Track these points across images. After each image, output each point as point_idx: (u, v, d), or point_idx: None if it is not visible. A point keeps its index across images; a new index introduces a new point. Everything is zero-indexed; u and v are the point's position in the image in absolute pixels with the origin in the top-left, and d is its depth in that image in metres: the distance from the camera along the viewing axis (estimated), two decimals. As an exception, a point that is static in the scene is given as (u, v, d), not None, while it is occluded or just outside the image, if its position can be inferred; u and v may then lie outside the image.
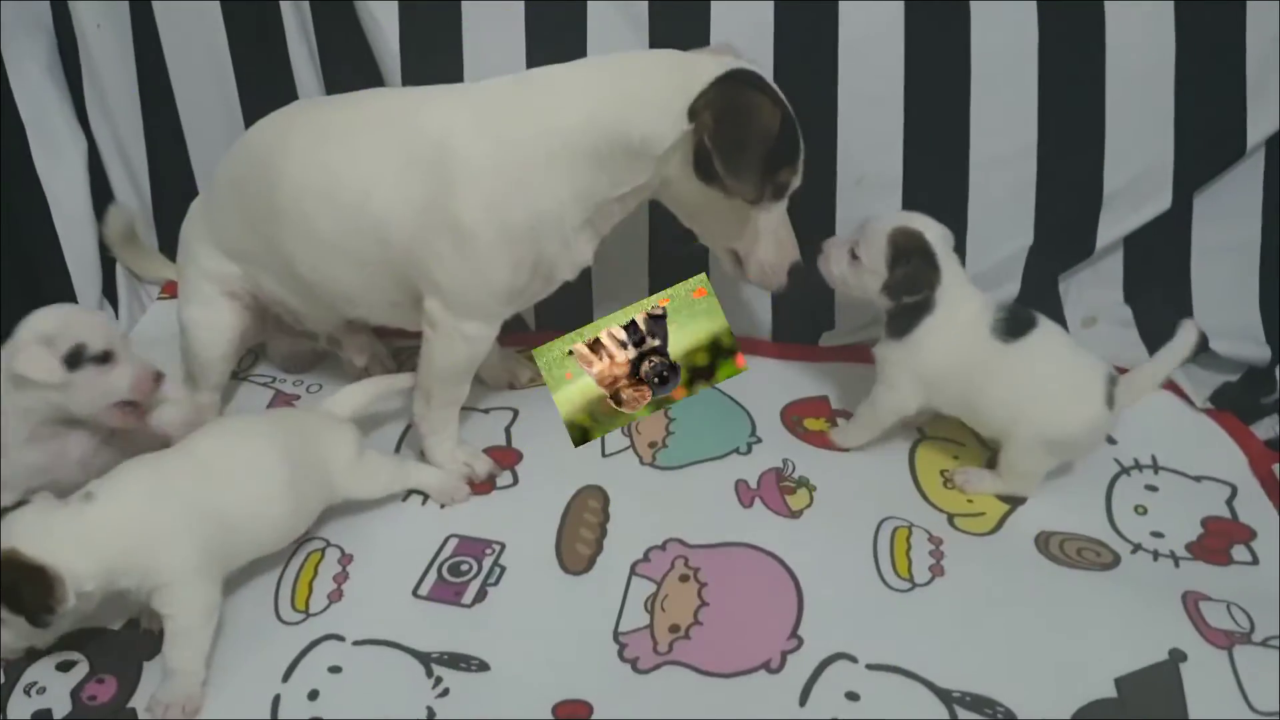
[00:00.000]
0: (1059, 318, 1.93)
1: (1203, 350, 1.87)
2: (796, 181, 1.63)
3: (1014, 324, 1.64)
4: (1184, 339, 1.70)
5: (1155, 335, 1.89)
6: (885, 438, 1.77)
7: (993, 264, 1.94)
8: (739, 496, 1.68)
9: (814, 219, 1.68)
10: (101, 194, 2.09)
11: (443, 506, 1.69)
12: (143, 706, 1.39)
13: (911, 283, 1.62)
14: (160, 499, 1.43)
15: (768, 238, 1.65)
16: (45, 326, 1.46)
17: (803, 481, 1.71)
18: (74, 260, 1.99)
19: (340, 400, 1.72)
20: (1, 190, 1.88)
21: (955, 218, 1.91)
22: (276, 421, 1.66)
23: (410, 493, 1.71)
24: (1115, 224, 1.88)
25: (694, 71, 1.54)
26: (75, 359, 1.45)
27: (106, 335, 1.49)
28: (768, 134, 1.52)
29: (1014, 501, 1.68)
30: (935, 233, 1.64)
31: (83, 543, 1.36)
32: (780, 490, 1.69)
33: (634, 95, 1.55)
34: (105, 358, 1.48)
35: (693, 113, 1.51)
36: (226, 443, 1.56)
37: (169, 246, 2.08)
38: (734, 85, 1.53)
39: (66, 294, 1.97)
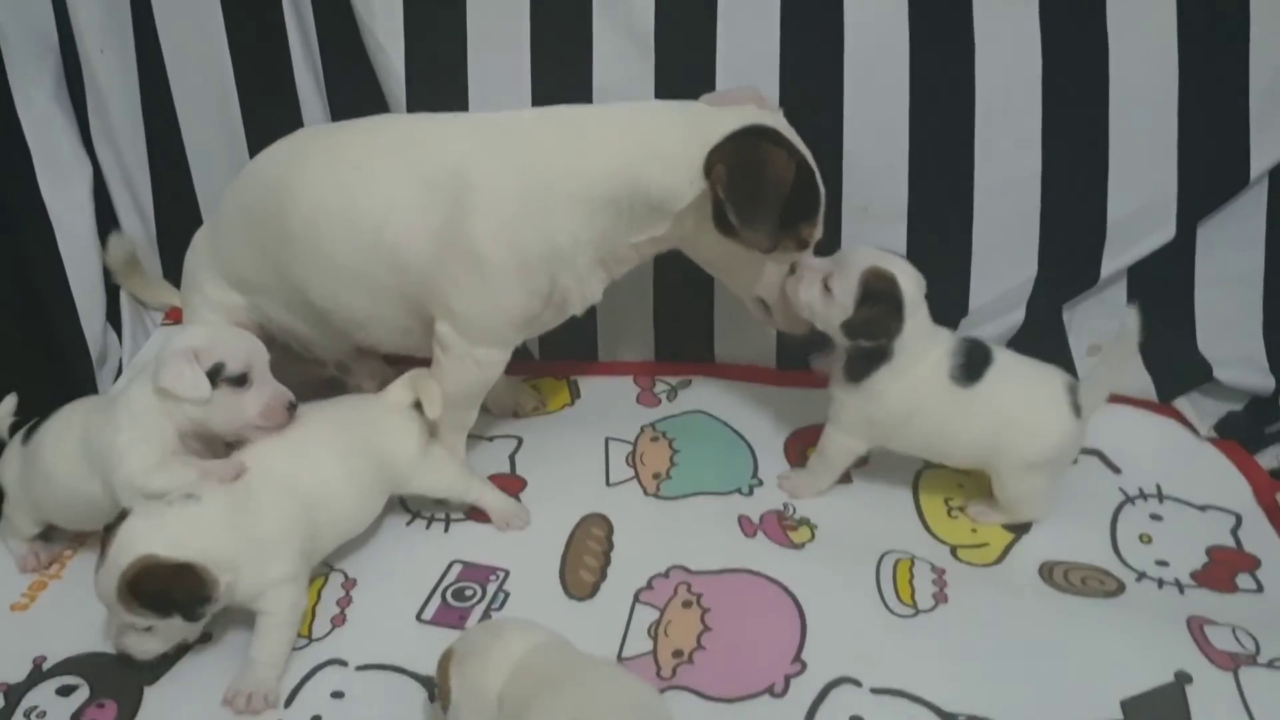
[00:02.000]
0: (1064, 347, 1.94)
1: (1205, 380, 1.88)
2: (818, 234, 1.65)
3: (971, 367, 1.61)
4: (1128, 327, 1.64)
5: (1159, 365, 1.90)
6: (887, 469, 1.76)
7: (997, 294, 1.94)
8: (741, 527, 1.68)
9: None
10: (106, 220, 2.10)
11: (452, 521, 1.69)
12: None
13: (872, 328, 1.58)
14: (269, 501, 1.48)
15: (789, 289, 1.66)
16: (194, 342, 1.48)
17: (804, 521, 1.71)
18: (79, 286, 1.99)
19: (399, 390, 1.71)
20: (8, 215, 1.89)
21: (960, 247, 1.92)
22: (347, 414, 1.66)
23: (414, 517, 1.71)
24: (1119, 254, 1.88)
25: (712, 127, 1.55)
26: (212, 378, 1.47)
27: (247, 358, 1.51)
28: (781, 185, 1.53)
29: (1018, 531, 1.67)
30: (909, 279, 1.59)
31: (208, 537, 1.41)
32: (782, 527, 1.69)
33: (655, 150, 1.56)
34: (240, 380, 1.49)
35: (707, 169, 1.53)
36: (310, 444, 1.57)
37: (173, 272, 2.09)
38: (748, 138, 1.54)
39: (71, 320, 1.98)
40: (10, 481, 1.64)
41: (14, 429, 1.69)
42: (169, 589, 1.36)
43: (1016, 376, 1.64)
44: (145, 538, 1.38)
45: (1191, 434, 1.86)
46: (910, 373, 1.60)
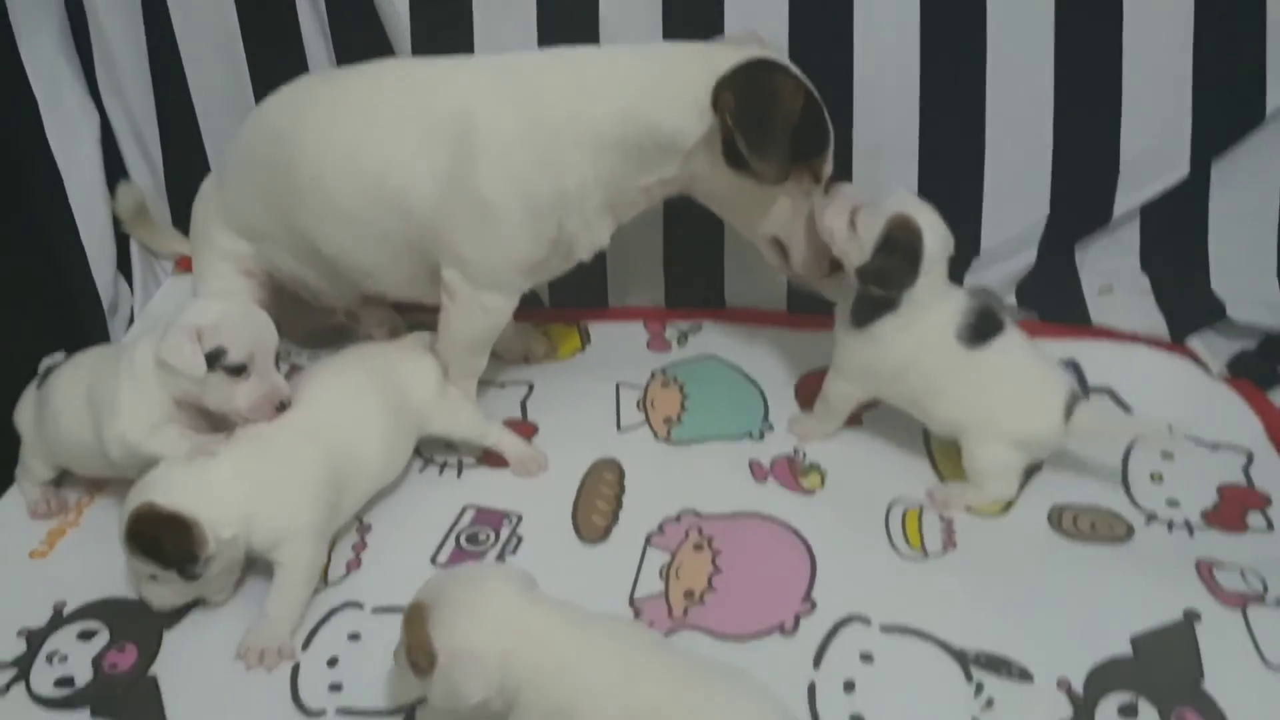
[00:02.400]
0: (1075, 287, 1.93)
1: (1219, 318, 1.87)
2: (828, 169, 1.63)
3: (980, 329, 1.59)
4: (1155, 427, 1.67)
5: (1172, 303, 1.89)
6: (900, 411, 1.76)
7: (1009, 234, 1.93)
8: (752, 472, 1.69)
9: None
10: (114, 169, 2.09)
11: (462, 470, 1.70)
12: (163, 674, 1.41)
13: (884, 277, 1.56)
14: (289, 451, 1.49)
15: (808, 226, 1.65)
16: (199, 320, 1.46)
17: (814, 467, 1.71)
18: (88, 235, 1.99)
19: (416, 334, 1.73)
20: (16, 166, 1.89)
21: (971, 188, 1.91)
22: (365, 362, 1.66)
23: (427, 463, 1.72)
24: (1132, 192, 1.86)
25: (719, 63, 1.53)
26: (211, 360, 1.45)
27: (250, 349, 1.48)
28: (790, 112, 1.51)
29: (1028, 473, 1.66)
30: (936, 236, 1.57)
31: (215, 492, 1.41)
32: (793, 472, 1.70)
33: (663, 89, 1.55)
34: (238, 370, 1.47)
35: (715, 98, 1.51)
36: (332, 393, 1.58)
37: (182, 220, 2.09)
38: (755, 67, 1.53)
39: (82, 269, 1.98)
40: (25, 426, 1.66)
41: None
42: (161, 540, 1.37)
43: (1022, 356, 1.62)
44: (157, 485, 1.40)
45: (1204, 372, 1.86)
46: (914, 327, 1.59)
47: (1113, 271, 1.93)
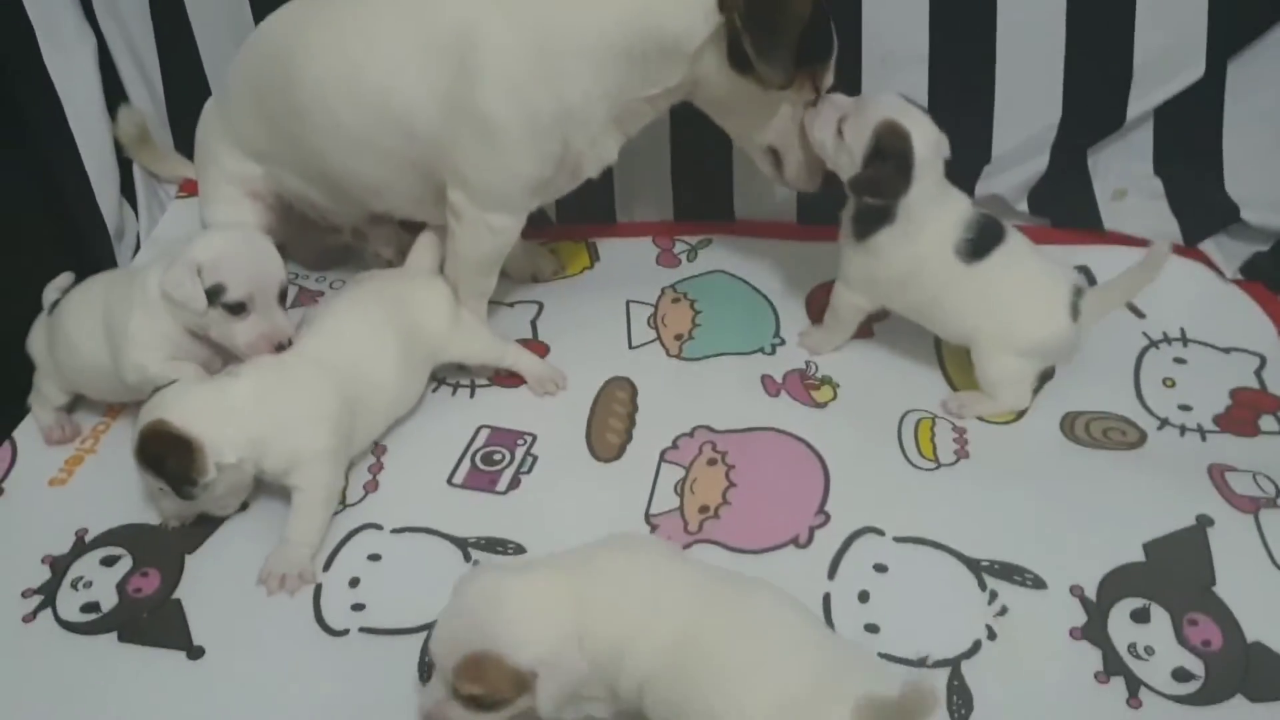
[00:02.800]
0: (1088, 192, 1.90)
1: (1233, 221, 1.85)
2: (829, 79, 1.61)
3: (980, 243, 1.56)
4: (1155, 258, 1.58)
5: (1185, 206, 1.87)
6: (911, 321, 1.76)
7: (1021, 140, 1.90)
8: (764, 387, 1.69)
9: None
10: (114, 93, 2.06)
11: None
12: (186, 598, 1.43)
13: (876, 186, 1.54)
14: (304, 378, 1.49)
15: (803, 136, 1.63)
16: (202, 256, 1.46)
17: (826, 379, 1.71)
18: (91, 161, 1.97)
19: (420, 254, 1.72)
20: (15, 92, 1.87)
21: (982, 92, 1.88)
22: (380, 292, 1.66)
23: (440, 384, 1.73)
24: (1146, 95, 1.83)
25: None
26: (211, 296, 1.45)
27: (250, 288, 1.47)
28: (798, 15, 1.48)
29: (1040, 381, 1.67)
30: (926, 140, 1.53)
31: (228, 416, 1.42)
32: (805, 386, 1.70)
33: None
34: (238, 308, 1.47)
35: (722, 1, 1.49)
36: (347, 323, 1.58)
37: (184, 144, 2.07)
38: None
39: (86, 195, 1.97)
40: (38, 351, 1.67)
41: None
42: (164, 458, 1.39)
43: (1023, 264, 1.59)
44: (168, 404, 1.41)
45: (1217, 276, 1.85)
46: (914, 238, 1.56)
47: (1125, 176, 1.91)
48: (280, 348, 1.51)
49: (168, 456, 1.39)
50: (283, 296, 1.52)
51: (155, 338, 1.51)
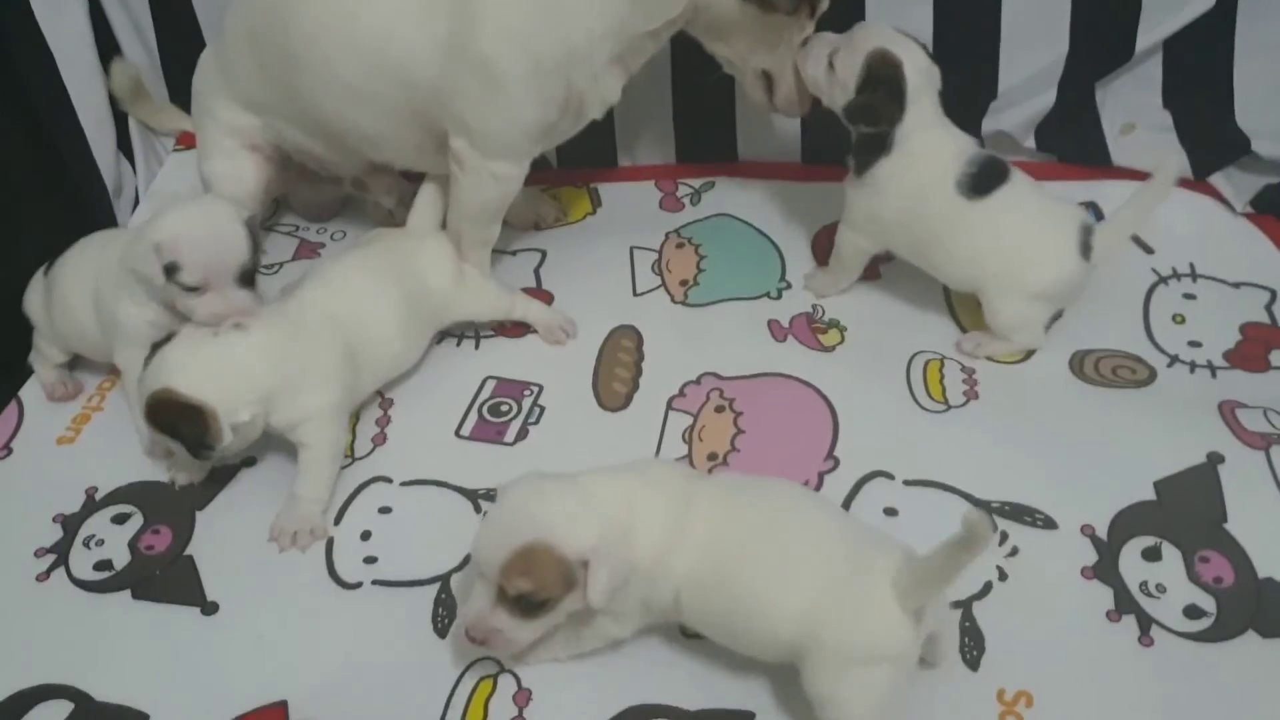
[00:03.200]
0: (1096, 127, 1.88)
1: (1243, 153, 1.82)
2: (824, 4, 1.58)
3: (982, 179, 1.54)
4: (1164, 176, 1.57)
5: (1195, 140, 1.84)
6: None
7: (1028, 74, 1.88)
8: (771, 332, 1.69)
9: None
10: (106, 47, 2.02)
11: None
12: (198, 554, 1.44)
13: (870, 113, 1.53)
14: (308, 334, 1.49)
15: (794, 61, 1.60)
16: (160, 235, 1.44)
17: (833, 323, 1.70)
18: (86, 115, 1.95)
19: (421, 212, 1.70)
20: (6, 47, 1.84)
21: (988, 26, 1.85)
22: (386, 252, 1.64)
23: (444, 336, 1.72)
24: (1155, 26, 1.80)
25: None
26: (168, 273, 1.43)
27: (205, 272, 1.44)
28: None
29: (1049, 319, 1.65)
30: (917, 65, 1.52)
31: (237, 375, 1.41)
32: (812, 330, 1.69)
33: None
34: (192, 289, 1.45)
35: None
36: (352, 281, 1.57)
37: (179, 96, 2.06)
38: None
39: (82, 150, 1.94)
40: (35, 311, 1.66)
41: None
42: (178, 425, 1.38)
43: (1028, 203, 1.57)
44: (175, 368, 1.40)
45: (1227, 210, 1.83)
46: (913, 171, 1.55)
47: (1134, 109, 1.88)
48: (237, 326, 1.47)
49: (180, 424, 1.38)
50: (244, 277, 1.47)
51: (144, 326, 1.50)
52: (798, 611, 1.12)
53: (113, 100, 2.02)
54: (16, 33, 1.86)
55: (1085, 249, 1.55)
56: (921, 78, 1.52)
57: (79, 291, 1.57)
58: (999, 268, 1.56)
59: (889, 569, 1.10)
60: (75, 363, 1.71)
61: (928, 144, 1.55)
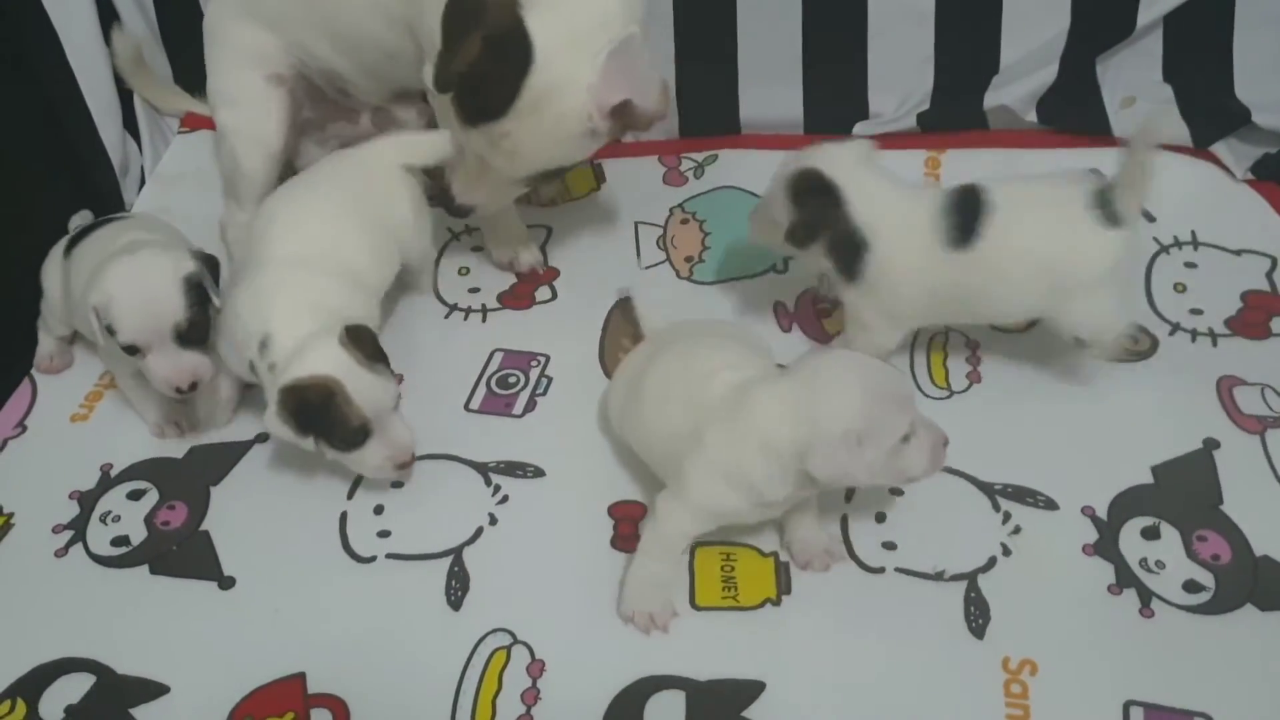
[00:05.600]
0: (1097, 101, 1.88)
1: (1243, 124, 1.83)
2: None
3: (967, 220, 1.40)
4: (1156, 120, 1.41)
5: (1196, 112, 1.84)
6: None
7: (1029, 49, 1.88)
8: (777, 320, 1.69)
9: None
10: (108, 25, 1.99)
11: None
12: (214, 529, 1.46)
13: (809, 228, 1.43)
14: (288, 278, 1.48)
15: None
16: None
17: (838, 304, 1.68)
18: (91, 94, 1.94)
19: (422, 143, 1.69)
20: (10, 27, 1.83)
21: (990, 3, 1.85)
22: (347, 173, 1.65)
23: (451, 310, 1.74)
24: (1156, 1, 1.80)
25: None
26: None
27: (136, 334, 1.42)
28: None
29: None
30: (834, 158, 1.43)
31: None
32: (817, 313, 1.69)
33: None
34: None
35: None
36: (311, 217, 1.57)
37: (181, 75, 2.06)
38: None
39: (88, 129, 1.94)
40: (49, 285, 1.66)
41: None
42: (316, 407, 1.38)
43: (1025, 211, 1.41)
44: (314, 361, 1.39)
45: (1228, 177, 1.83)
46: (902, 253, 1.42)
47: (1135, 84, 1.88)
48: (181, 391, 1.46)
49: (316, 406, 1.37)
50: (180, 336, 1.43)
51: (120, 355, 1.48)
52: None
53: (118, 80, 2.00)
54: (19, 9, 1.85)
55: (1111, 217, 1.39)
56: (848, 163, 1.44)
57: (82, 282, 1.56)
58: (1045, 288, 1.42)
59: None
60: (75, 336, 1.72)
61: (900, 214, 1.43)
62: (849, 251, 1.43)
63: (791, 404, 1.20)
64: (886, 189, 1.44)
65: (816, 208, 1.42)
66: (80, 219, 1.71)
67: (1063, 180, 1.47)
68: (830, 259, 1.46)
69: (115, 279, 1.42)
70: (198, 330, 1.45)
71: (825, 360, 1.24)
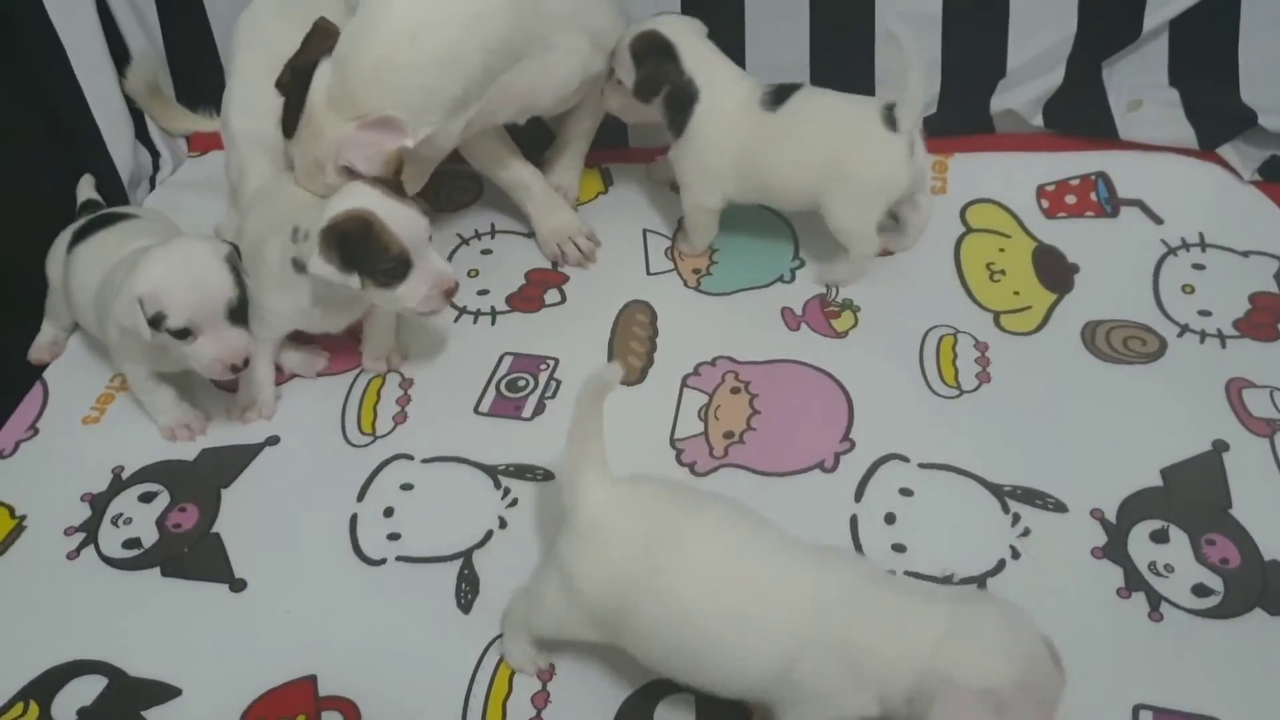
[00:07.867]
0: (1103, 104, 1.88)
1: (1250, 127, 1.83)
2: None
3: (780, 91, 1.65)
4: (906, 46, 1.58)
5: (1201, 115, 1.85)
6: (927, 238, 1.76)
7: (1036, 53, 1.89)
8: (785, 321, 1.69)
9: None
10: (114, 44, 2.00)
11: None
12: (225, 531, 1.46)
13: (652, 81, 1.65)
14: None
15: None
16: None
17: (847, 304, 1.71)
18: (100, 110, 1.94)
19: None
20: (19, 43, 1.84)
21: (997, 6, 1.86)
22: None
23: (461, 313, 1.74)
24: (1162, 5, 1.81)
25: None
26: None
27: (189, 315, 1.42)
28: None
29: (1060, 290, 1.68)
30: (673, 25, 1.66)
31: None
32: (826, 315, 1.69)
33: None
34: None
35: None
36: None
37: (186, 95, 2.05)
38: None
39: (97, 144, 1.94)
40: (53, 276, 1.68)
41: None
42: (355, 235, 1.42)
43: (828, 97, 1.66)
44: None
45: (1235, 178, 1.84)
46: (722, 108, 1.65)
47: (1141, 88, 1.89)
48: (235, 369, 1.46)
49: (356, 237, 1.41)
50: (232, 313, 1.44)
51: (136, 350, 1.51)
52: None
53: (128, 101, 2.00)
54: (29, 29, 1.85)
55: (890, 122, 1.59)
56: (682, 31, 1.66)
57: (88, 289, 1.58)
58: (822, 166, 1.63)
59: None
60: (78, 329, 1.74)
61: (727, 80, 1.67)
62: (682, 103, 1.66)
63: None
64: (715, 53, 1.68)
65: (656, 64, 1.65)
66: (85, 185, 1.75)
67: (860, 97, 1.69)
68: (665, 114, 1.69)
69: (160, 265, 1.43)
70: (245, 306, 1.47)
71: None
